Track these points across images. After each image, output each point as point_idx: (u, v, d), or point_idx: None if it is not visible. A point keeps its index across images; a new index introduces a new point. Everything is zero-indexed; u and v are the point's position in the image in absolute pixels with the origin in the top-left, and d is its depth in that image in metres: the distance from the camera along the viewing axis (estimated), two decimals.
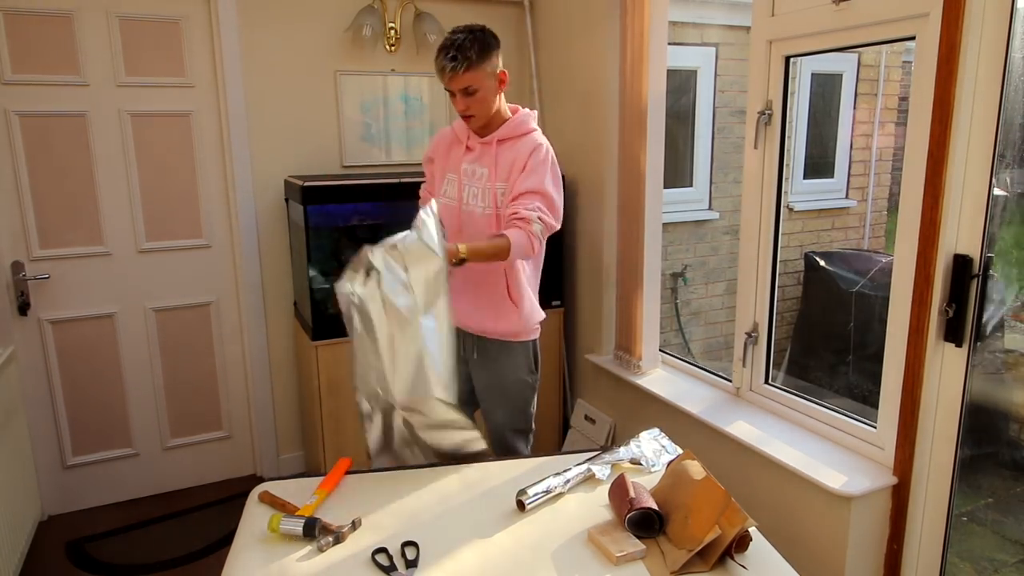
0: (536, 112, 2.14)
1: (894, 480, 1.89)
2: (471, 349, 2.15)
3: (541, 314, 2.17)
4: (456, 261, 1.81)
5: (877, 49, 5.29)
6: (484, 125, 2.05)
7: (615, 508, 1.56)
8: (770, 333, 2.38)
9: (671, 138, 4.07)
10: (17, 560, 2.46)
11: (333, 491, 1.67)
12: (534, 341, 2.18)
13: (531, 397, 2.22)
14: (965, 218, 1.71)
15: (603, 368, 2.99)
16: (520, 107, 2.13)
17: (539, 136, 2.07)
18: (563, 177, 3.14)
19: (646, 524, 1.49)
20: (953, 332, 1.76)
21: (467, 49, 1.90)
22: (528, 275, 2.11)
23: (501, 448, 2.23)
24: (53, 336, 2.87)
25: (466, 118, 2.03)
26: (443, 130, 2.23)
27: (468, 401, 2.19)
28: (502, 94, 2.06)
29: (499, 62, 2.00)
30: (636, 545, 1.44)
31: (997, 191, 1.70)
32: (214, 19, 2.90)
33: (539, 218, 1.94)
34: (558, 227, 2.03)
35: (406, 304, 1.63)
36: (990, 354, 3.11)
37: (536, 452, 2.30)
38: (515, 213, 1.94)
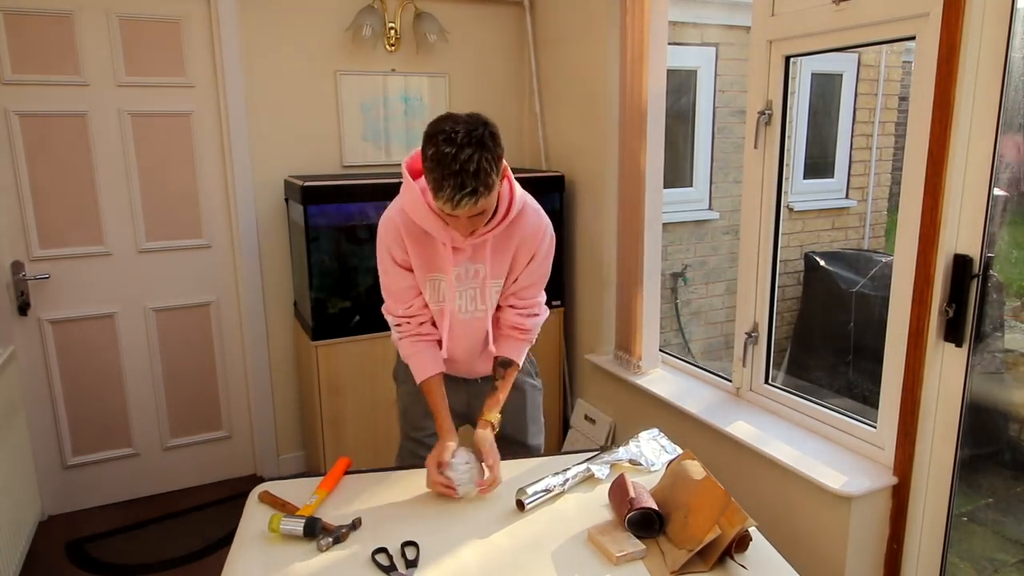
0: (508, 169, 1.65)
1: (894, 480, 1.89)
2: (478, 380, 1.98)
3: None
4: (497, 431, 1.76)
5: (877, 49, 5.30)
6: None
7: (615, 508, 1.56)
8: (770, 333, 2.38)
9: (671, 138, 4.08)
10: (17, 560, 2.46)
11: (333, 491, 1.67)
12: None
13: (539, 400, 2.11)
14: (965, 218, 1.71)
15: (603, 368, 2.99)
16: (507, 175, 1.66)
17: (533, 210, 1.72)
18: (563, 178, 3.17)
19: (646, 524, 1.49)
20: (953, 332, 1.76)
21: (487, 173, 1.45)
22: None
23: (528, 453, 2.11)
24: (53, 336, 2.87)
25: (468, 235, 1.62)
26: (393, 219, 1.68)
27: (462, 416, 2.04)
28: None
29: (500, 163, 1.51)
30: (636, 545, 1.44)
31: (997, 191, 1.70)
32: (214, 19, 2.90)
33: (539, 318, 1.84)
34: None
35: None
36: (990, 354, 3.11)
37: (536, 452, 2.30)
38: (517, 326, 1.81)
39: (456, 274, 1.71)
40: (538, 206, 1.75)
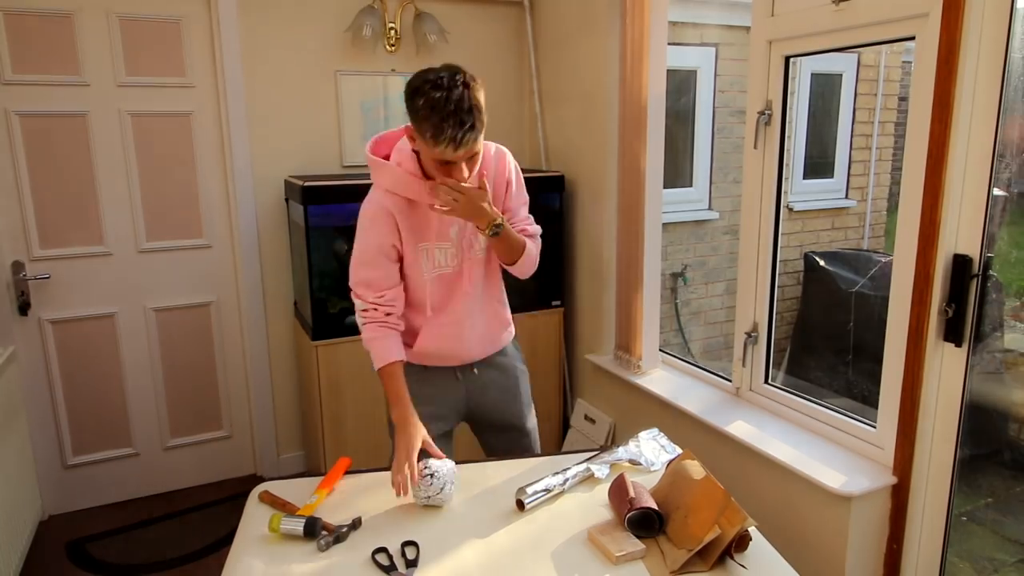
0: None
1: (894, 480, 1.89)
2: (471, 370, 1.94)
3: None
4: (493, 229, 1.66)
5: (877, 49, 5.29)
6: None
7: (615, 508, 1.56)
8: (770, 333, 2.38)
9: (671, 138, 4.08)
10: (17, 560, 2.46)
11: (333, 491, 1.67)
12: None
13: (528, 384, 2.09)
14: (965, 218, 1.71)
15: (603, 368, 2.99)
16: None
17: (487, 142, 1.74)
18: (563, 178, 3.17)
19: (646, 524, 1.49)
20: (953, 332, 1.76)
21: (479, 110, 1.51)
22: (500, 281, 1.94)
23: (532, 444, 2.08)
24: (53, 336, 2.87)
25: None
26: (380, 202, 1.70)
27: (462, 415, 2.03)
28: None
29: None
30: (636, 545, 1.44)
31: (997, 191, 1.70)
32: (214, 19, 2.90)
33: (533, 245, 1.85)
34: None
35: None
36: (990, 354, 3.11)
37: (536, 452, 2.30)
38: (524, 230, 1.83)
39: (455, 231, 1.74)
40: (491, 143, 1.79)
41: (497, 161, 1.79)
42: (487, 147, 1.76)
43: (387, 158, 1.72)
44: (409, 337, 1.86)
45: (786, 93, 2.21)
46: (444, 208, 1.61)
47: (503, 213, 1.78)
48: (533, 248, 1.85)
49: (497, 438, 2.03)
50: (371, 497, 1.65)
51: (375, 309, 1.77)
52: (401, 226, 1.71)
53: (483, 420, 2.00)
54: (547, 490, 1.63)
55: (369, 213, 1.72)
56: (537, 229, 1.89)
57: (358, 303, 1.79)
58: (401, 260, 1.77)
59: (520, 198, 1.86)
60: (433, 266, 1.77)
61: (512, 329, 2.01)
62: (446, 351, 1.88)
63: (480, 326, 1.89)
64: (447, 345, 1.87)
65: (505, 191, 1.82)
